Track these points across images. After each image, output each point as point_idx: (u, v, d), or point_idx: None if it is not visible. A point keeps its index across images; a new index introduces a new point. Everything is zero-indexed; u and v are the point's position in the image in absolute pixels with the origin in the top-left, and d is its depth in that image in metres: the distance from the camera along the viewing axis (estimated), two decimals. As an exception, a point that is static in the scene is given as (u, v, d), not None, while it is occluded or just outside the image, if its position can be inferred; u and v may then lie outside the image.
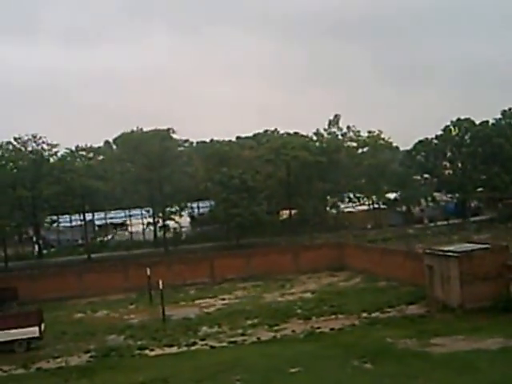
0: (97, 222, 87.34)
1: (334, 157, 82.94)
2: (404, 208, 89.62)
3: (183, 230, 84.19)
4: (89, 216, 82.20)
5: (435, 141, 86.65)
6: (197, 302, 54.43)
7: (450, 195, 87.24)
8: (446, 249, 44.71)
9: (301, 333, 39.28)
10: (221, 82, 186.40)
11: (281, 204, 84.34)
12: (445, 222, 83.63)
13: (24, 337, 40.55)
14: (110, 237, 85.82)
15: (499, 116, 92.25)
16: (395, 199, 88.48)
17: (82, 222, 79.74)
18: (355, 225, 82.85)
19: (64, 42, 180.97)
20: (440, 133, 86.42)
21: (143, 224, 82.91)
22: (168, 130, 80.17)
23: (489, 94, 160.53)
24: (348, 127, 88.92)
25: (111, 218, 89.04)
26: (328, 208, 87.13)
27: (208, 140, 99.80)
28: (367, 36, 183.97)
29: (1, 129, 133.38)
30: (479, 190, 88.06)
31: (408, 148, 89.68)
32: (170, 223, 79.19)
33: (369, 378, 29.05)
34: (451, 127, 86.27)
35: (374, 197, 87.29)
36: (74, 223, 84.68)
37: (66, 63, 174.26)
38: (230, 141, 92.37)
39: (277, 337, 39.01)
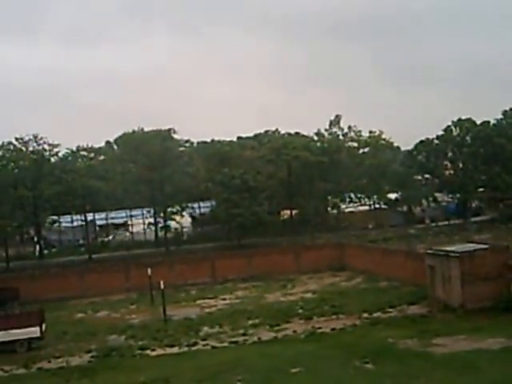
0: (98, 222, 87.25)
1: (335, 157, 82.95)
2: (405, 208, 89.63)
3: (184, 230, 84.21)
4: (90, 216, 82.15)
5: (436, 141, 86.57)
6: (198, 302, 54.41)
7: (451, 195, 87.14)
8: (447, 249, 44.70)
9: (302, 333, 39.28)
10: (221, 82, 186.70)
11: (282, 204, 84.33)
12: (446, 222, 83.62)
13: (25, 337, 40.57)
14: (111, 237, 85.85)
15: (500, 116, 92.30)
16: (396, 199, 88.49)
17: (83, 222, 79.67)
18: (356, 225, 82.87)
19: (64, 41, 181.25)
20: (441, 133, 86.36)
21: (144, 224, 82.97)
22: (169, 130, 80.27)
23: (489, 94, 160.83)
24: (349, 127, 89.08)
25: (112, 218, 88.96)
26: (329, 208, 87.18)
27: (209, 140, 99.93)
28: (367, 36, 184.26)
29: (1, 129, 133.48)
30: (480, 190, 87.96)
31: (409, 148, 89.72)
32: (171, 223, 79.27)
33: (370, 378, 29.06)
34: (452, 127, 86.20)
35: (375, 197, 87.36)
36: (75, 223, 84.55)
37: (66, 63, 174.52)
38: (231, 141, 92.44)
39: (278, 337, 39.01)
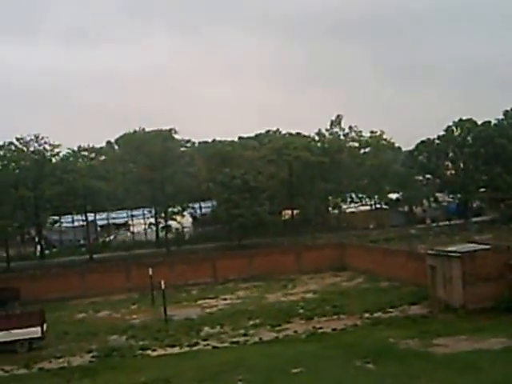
0: (99, 223, 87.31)
1: (336, 157, 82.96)
2: (406, 208, 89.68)
3: (185, 230, 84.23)
4: (91, 216, 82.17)
5: (437, 141, 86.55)
6: (199, 302, 54.39)
7: (452, 195, 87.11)
8: (448, 249, 44.70)
9: (303, 333, 39.25)
10: (221, 82, 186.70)
11: (283, 204, 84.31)
12: (447, 223, 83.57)
13: (26, 337, 40.50)
14: (112, 237, 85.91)
15: (501, 116, 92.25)
16: (397, 199, 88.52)
17: (84, 223, 79.73)
18: (357, 225, 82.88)
19: (64, 42, 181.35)
20: (442, 133, 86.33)
21: (145, 224, 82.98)
22: (170, 130, 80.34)
23: (489, 94, 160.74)
24: (350, 127, 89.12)
25: (113, 219, 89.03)
26: (330, 208, 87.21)
27: (210, 140, 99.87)
28: (367, 36, 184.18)
29: (1, 129, 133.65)
30: (481, 190, 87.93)
31: (410, 148, 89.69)
32: (172, 223, 79.33)
33: (371, 379, 29.03)
34: (453, 127, 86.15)
35: (376, 197, 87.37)
36: (76, 223, 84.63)
37: (66, 63, 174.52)
38: (232, 141, 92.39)
39: (279, 337, 38.97)
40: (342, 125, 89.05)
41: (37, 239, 79.67)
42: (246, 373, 31.03)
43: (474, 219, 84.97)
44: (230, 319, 44.97)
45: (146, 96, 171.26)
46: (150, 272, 55.31)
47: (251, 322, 43.44)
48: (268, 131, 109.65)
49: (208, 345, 38.29)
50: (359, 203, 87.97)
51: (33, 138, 75.19)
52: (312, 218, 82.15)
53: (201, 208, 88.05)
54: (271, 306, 49.16)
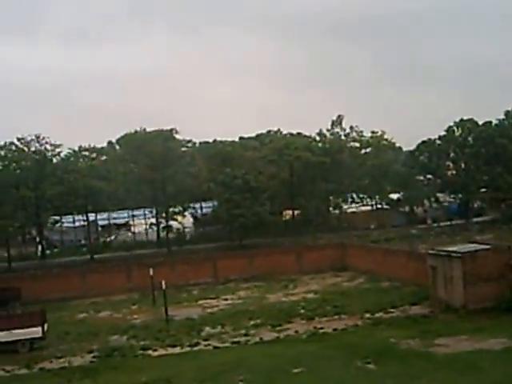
0: (100, 223, 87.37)
1: (337, 157, 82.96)
2: (407, 208, 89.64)
3: (186, 230, 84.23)
4: (92, 216, 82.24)
5: (438, 141, 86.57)
6: (200, 302, 54.40)
7: (453, 196, 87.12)
8: (449, 249, 44.69)
9: (304, 333, 39.27)
10: (221, 82, 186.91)
11: (284, 204, 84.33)
12: (448, 223, 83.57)
13: (27, 337, 40.53)
14: (113, 237, 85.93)
15: (502, 116, 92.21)
16: (398, 200, 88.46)
17: (85, 223, 79.77)
18: (358, 225, 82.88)
19: (64, 42, 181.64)
20: (443, 133, 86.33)
21: (146, 224, 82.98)
22: (171, 130, 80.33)
23: (489, 94, 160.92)
24: (351, 127, 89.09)
25: (114, 219, 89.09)
26: (331, 208, 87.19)
27: (211, 140, 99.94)
28: (367, 36, 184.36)
29: (1, 129, 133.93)
30: (482, 190, 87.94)
31: (411, 148, 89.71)
32: (173, 223, 79.34)
33: (372, 379, 29.06)
34: (454, 128, 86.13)
35: (377, 197, 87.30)
36: (77, 223, 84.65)
37: (66, 63, 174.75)
38: (232, 141, 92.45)
39: (280, 337, 38.99)
40: (343, 125, 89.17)
41: (38, 239, 79.70)
42: (246, 373, 31.05)
43: (475, 219, 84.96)
44: (230, 319, 44.97)
45: (146, 96, 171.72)
46: (151, 272, 55.29)
47: (252, 322, 43.45)
48: (269, 131, 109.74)
49: (209, 345, 38.31)
50: (360, 203, 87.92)
51: (34, 138, 75.31)
52: (313, 218, 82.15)
53: (202, 208, 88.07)
54: (272, 306, 49.16)
